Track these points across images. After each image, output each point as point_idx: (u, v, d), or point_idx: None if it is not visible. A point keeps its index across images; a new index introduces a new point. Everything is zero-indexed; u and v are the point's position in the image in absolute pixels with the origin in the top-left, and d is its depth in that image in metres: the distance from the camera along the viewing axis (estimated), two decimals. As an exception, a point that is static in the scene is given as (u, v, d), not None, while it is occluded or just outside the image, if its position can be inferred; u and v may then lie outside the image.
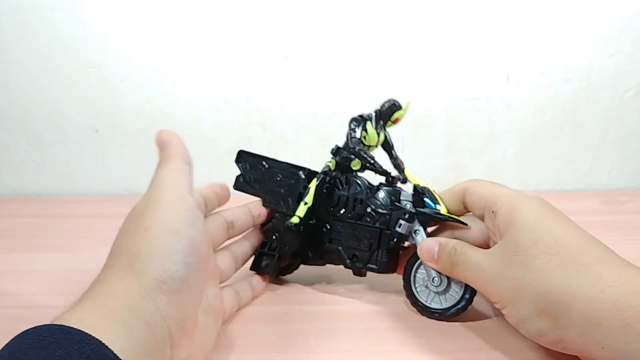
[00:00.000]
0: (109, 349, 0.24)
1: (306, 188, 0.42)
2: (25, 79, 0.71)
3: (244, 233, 0.44)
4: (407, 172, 0.43)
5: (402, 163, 0.44)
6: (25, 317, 0.29)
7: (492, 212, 0.36)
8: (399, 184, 0.43)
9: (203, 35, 0.69)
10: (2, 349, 0.24)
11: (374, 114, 0.43)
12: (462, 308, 0.38)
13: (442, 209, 0.39)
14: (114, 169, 0.74)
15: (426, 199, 0.40)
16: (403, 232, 0.39)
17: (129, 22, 0.69)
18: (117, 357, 0.24)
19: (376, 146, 0.43)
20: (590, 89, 0.71)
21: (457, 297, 0.38)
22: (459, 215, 0.40)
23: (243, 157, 0.45)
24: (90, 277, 0.31)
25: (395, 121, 0.44)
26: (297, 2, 0.68)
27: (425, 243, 0.38)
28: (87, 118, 0.72)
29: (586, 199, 0.68)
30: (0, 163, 0.75)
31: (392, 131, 0.71)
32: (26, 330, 0.25)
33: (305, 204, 0.41)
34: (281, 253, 0.43)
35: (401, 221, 0.39)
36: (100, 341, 0.24)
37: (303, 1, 0.68)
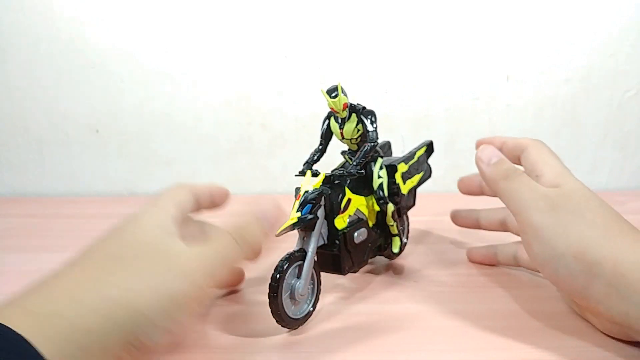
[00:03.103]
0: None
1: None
2: (25, 79, 0.71)
3: None
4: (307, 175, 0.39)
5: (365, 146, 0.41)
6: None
7: (537, 176, 0.38)
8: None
9: (203, 35, 0.69)
10: None
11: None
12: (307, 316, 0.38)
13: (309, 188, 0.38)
14: (114, 169, 0.74)
15: (305, 213, 0.37)
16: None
17: (129, 22, 0.69)
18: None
19: (347, 138, 0.42)
20: (590, 89, 0.71)
21: (306, 308, 0.38)
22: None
23: None
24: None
25: (334, 110, 0.40)
26: (297, 2, 0.68)
27: (488, 147, 0.40)
28: (87, 118, 0.72)
29: (586, 199, 0.68)
30: (0, 163, 0.75)
31: (393, 131, 0.72)
32: None
33: None
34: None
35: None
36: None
37: (303, 1, 0.68)
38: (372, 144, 0.40)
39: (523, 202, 0.36)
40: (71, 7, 0.68)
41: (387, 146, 0.49)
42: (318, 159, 0.42)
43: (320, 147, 0.43)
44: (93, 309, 0.26)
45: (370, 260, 0.46)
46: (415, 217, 0.50)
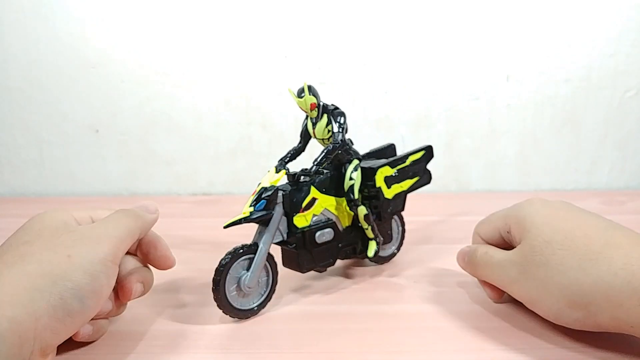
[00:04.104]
0: None
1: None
2: (25, 79, 0.71)
3: None
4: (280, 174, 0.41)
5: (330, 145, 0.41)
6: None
7: (507, 232, 0.38)
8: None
9: (203, 35, 0.69)
10: None
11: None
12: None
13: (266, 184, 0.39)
14: (114, 169, 0.74)
15: (258, 209, 0.38)
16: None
17: (129, 22, 0.69)
18: None
19: (319, 137, 0.43)
20: (590, 89, 0.71)
21: (258, 299, 0.39)
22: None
23: None
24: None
25: (302, 109, 0.42)
26: (297, 2, 0.68)
27: (460, 251, 0.42)
28: (87, 118, 0.72)
29: (586, 199, 0.68)
30: (0, 163, 0.75)
31: (393, 131, 0.71)
32: None
33: None
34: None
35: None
36: None
37: (303, 1, 0.68)
38: (335, 144, 0.41)
39: (497, 277, 0.38)
40: (71, 7, 0.68)
41: (392, 149, 0.49)
42: (293, 157, 0.43)
43: (299, 145, 0.43)
44: (16, 283, 0.29)
45: (368, 261, 0.46)
46: (414, 217, 0.50)
